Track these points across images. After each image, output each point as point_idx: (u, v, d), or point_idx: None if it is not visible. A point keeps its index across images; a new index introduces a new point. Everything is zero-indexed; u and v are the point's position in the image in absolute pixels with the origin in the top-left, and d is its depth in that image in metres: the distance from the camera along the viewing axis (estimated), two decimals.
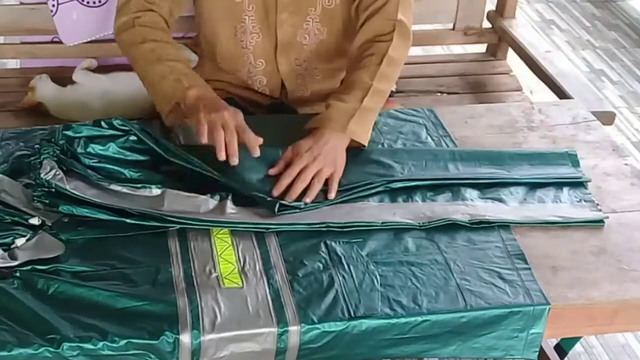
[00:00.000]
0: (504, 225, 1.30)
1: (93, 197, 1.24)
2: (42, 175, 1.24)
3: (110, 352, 1.07)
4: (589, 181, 1.42)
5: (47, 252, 1.18)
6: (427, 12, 2.11)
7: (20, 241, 1.20)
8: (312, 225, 1.26)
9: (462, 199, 1.35)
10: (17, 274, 1.15)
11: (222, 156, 1.28)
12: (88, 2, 1.85)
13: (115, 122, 1.35)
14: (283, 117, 1.60)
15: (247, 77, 1.62)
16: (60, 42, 1.89)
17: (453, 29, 2.16)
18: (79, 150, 1.31)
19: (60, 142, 1.31)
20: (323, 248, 1.23)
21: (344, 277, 1.18)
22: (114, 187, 1.28)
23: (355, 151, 1.43)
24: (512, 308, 1.16)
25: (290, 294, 1.15)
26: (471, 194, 1.36)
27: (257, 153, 1.31)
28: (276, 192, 1.30)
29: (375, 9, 1.51)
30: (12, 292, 1.12)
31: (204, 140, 1.29)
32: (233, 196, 1.30)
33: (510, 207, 1.34)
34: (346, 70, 1.54)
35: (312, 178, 1.32)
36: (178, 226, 1.24)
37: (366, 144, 1.44)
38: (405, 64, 2.24)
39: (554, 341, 1.80)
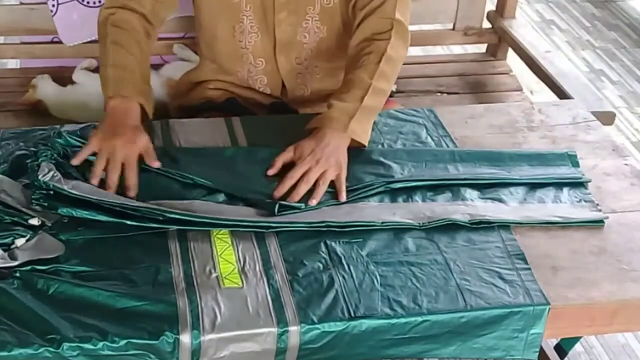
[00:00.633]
0: (504, 226, 1.30)
1: (92, 195, 1.24)
2: (40, 177, 1.24)
3: (110, 352, 1.07)
4: (589, 181, 1.42)
5: (47, 253, 1.18)
6: (427, 12, 2.11)
7: (20, 241, 1.20)
8: (312, 224, 1.26)
9: (462, 199, 1.35)
10: (17, 274, 1.15)
11: (93, 181, 1.28)
12: (88, 2, 1.85)
13: None
14: (284, 117, 1.60)
15: (247, 77, 1.62)
16: (60, 42, 1.90)
17: (453, 29, 2.16)
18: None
19: (57, 144, 1.31)
20: (323, 248, 1.23)
21: (344, 277, 1.18)
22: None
23: (355, 151, 1.43)
24: (512, 308, 1.16)
25: (290, 294, 1.15)
26: (471, 194, 1.36)
27: (130, 193, 1.28)
28: (278, 194, 1.30)
29: (372, 8, 1.51)
30: (12, 292, 1.12)
31: (74, 162, 1.30)
32: (232, 197, 1.30)
33: (510, 207, 1.34)
34: (345, 69, 1.54)
35: (317, 180, 1.32)
36: (177, 227, 1.23)
37: (366, 144, 1.44)
38: (405, 64, 2.24)
39: (554, 341, 1.80)
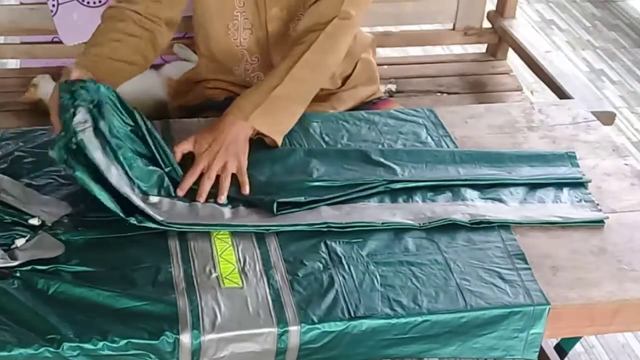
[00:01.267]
0: (504, 226, 1.30)
1: (105, 173, 1.21)
2: (74, 121, 1.18)
3: (110, 352, 1.07)
4: (589, 182, 1.42)
5: (47, 252, 1.18)
6: (427, 12, 2.11)
7: (20, 241, 1.20)
8: (312, 225, 1.26)
9: (462, 199, 1.35)
10: (17, 274, 1.15)
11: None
12: (88, 2, 1.85)
13: (136, 113, 1.33)
14: None
15: (244, 75, 1.62)
16: (60, 42, 1.90)
17: (453, 29, 2.16)
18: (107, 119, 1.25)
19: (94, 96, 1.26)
20: (323, 248, 1.23)
21: (344, 277, 1.18)
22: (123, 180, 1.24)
23: (355, 151, 1.43)
24: (512, 308, 1.16)
25: (290, 294, 1.15)
26: (471, 194, 1.36)
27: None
28: (181, 193, 1.28)
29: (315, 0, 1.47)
30: (12, 292, 1.12)
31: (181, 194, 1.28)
32: (232, 200, 1.30)
33: (510, 207, 1.34)
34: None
35: (218, 175, 1.30)
36: (177, 230, 1.24)
37: (277, 138, 1.40)
38: (405, 64, 2.25)
39: (554, 341, 1.80)
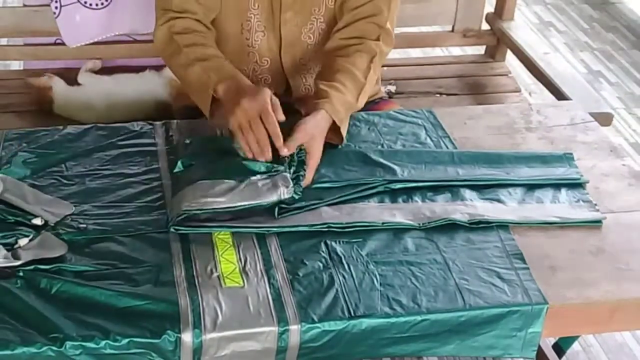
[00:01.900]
0: (503, 225, 1.31)
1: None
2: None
3: (112, 351, 1.07)
4: (587, 182, 1.43)
5: (50, 252, 1.19)
6: (426, 14, 2.12)
7: (23, 241, 1.21)
8: (313, 226, 1.27)
9: (461, 199, 1.36)
10: (21, 274, 1.16)
11: (249, 155, 1.31)
12: (90, 4, 1.86)
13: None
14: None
15: (252, 75, 1.63)
16: (63, 44, 1.90)
17: (452, 30, 2.17)
18: None
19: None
20: (323, 248, 1.24)
21: (344, 276, 1.19)
22: None
23: (355, 152, 1.44)
24: (510, 307, 1.17)
25: (290, 294, 1.16)
26: (470, 194, 1.37)
27: (277, 142, 1.31)
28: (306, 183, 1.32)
29: (366, 14, 1.53)
30: (15, 291, 1.13)
31: (249, 155, 1.32)
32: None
33: (509, 207, 1.35)
34: (327, 55, 1.54)
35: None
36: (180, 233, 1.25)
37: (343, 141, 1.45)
38: (405, 65, 2.26)
39: (552, 340, 1.81)
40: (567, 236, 1.31)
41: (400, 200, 1.35)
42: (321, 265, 1.21)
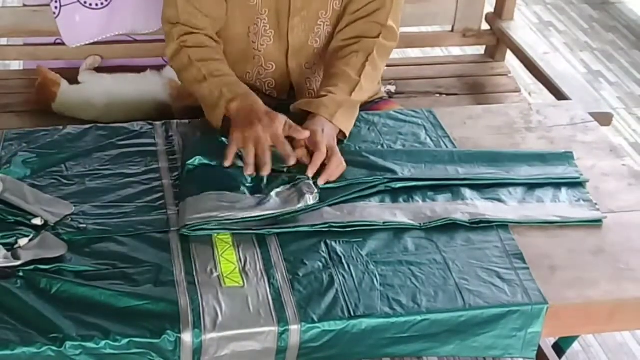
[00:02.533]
0: (503, 225, 1.31)
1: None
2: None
3: (112, 351, 1.08)
4: (587, 181, 1.43)
5: (50, 252, 1.19)
6: (426, 14, 2.12)
7: (23, 241, 1.21)
8: (314, 226, 1.27)
9: (462, 198, 1.36)
10: (20, 274, 1.16)
11: (248, 172, 1.32)
12: (90, 5, 1.86)
13: None
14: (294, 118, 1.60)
15: (255, 79, 1.62)
16: (63, 44, 1.90)
17: (452, 30, 2.17)
18: None
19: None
20: (323, 248, 1.24)
21: (344, 276, 1.19)
22: None
23: (355, 152, 1.44)
24: (510, 307, 1.17)
25: (290, 294, 1.16)
26: (471, 194, 1.37)
27: (290, 162, 1.33)
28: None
29: (367, 13, 1.53)
30: (15, 291, 1.13)
31: (227, 164, 1.33)
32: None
33: (509, 206, 1.35)
34: (327, 61, 1.56)
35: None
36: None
37: (348, 135, 1.46)
38: (405, 65, 2.26)
39: (552, 340, 1.81)
40: (567, 236, 1.31)
41: (401, 200, 1.35)
42: (321, 265, 1.21)
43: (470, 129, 1.57)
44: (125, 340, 1.08)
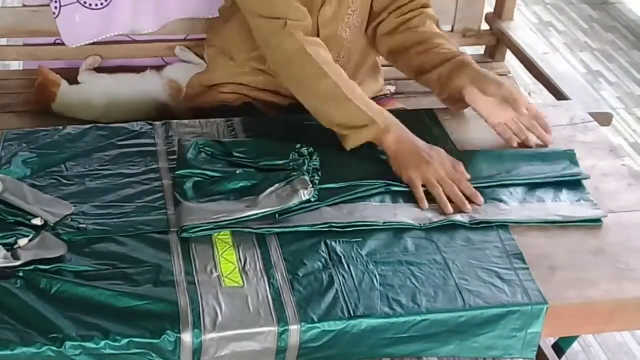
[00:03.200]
0: (503, 226, 1.31)
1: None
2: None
3: (112, 351, 1.08)
4: (588, 178, 1.43)
5: (50, 252, 1.19)
6: None
7: (23, 241, 1.21)
8: (315, 226, 1.27)
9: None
10: (20, 274, 1.16)
11: (449, 211, 1.31)
12: (90, 5, 1.86)
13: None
14: (287, 118, 1.60)
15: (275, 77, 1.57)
16: (63, 44, 1.90)
17: (452, 31, 2.17)
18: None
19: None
20: (323, 248, 1.24)
21: (344, 276, 1.19)
22: None
23: (356, 152, 1.44)
24: (510, 307, 1.17)
25: (290, 294, 1.16)
26: None
27: (477, 200, 1.34)
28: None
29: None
30: (15, 291, 1.13)
31: (425, 206, 1.32)
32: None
33: (510, 207, 1.35)
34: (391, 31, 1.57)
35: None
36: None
37: None
38: None
39: (552, 340, 1.81)
40: (567, 236, 1.31)
41: (401, 200, 1.35)
42: (321, 265, 1.21)
43: (470, 129, 1.57)
44: (125, 341, 1.08)
